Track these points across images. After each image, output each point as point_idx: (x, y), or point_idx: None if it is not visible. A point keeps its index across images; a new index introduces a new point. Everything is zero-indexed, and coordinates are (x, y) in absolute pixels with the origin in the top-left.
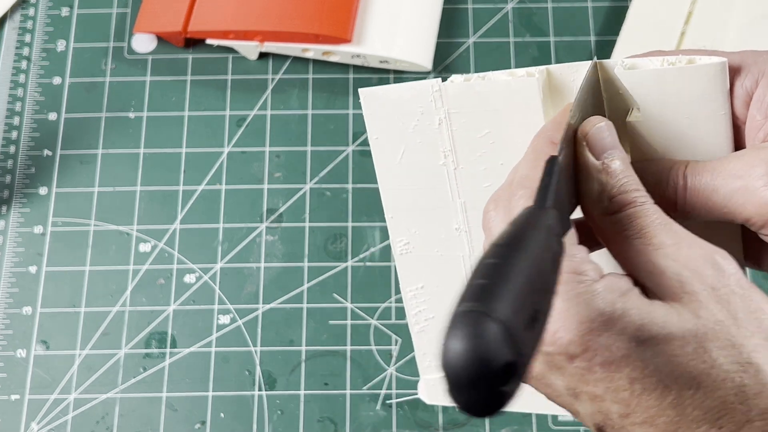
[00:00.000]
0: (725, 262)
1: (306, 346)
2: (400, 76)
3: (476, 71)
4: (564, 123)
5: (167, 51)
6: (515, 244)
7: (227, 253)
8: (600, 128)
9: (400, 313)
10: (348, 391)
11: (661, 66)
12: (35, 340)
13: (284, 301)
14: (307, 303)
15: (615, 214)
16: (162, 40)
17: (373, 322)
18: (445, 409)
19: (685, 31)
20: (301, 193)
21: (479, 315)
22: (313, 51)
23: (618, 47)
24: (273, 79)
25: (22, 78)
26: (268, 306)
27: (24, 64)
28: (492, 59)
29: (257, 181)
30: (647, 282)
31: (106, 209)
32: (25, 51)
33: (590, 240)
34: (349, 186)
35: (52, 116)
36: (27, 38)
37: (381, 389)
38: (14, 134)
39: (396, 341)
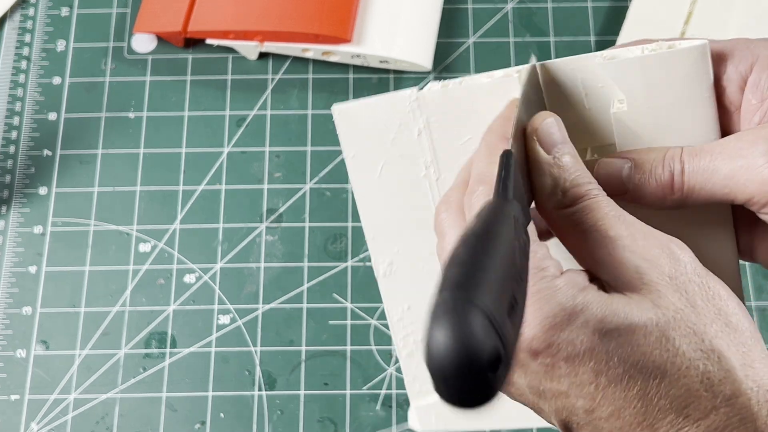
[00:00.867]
0: (681, 251)
1: (306, 346)
2: (400, 76)
3: (476, 71)
4: (513, 118)
5: (167, 51)
6: (486, 235)
7: (227, 253)
8: (549, 123)
9: None
10: (348, 391)
11: (642, 54)
12: (35, 340)
13: (284, 301)
14: (307, 303)
15: (569, 208)
16: (162, 40)
17: (373, 322)
18: None
19: (685, 31)
20: (301, 193)
21: (463, 303)
22: (313, 51)
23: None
24: (273, 79)
25: (21, 78)
26: (268, 306)
27: (24, 64)
28: (492, 59)
29: (257, 181)
30: (605, 275)
31: (105, 209)
32: (25, 51)
33: (543, 236)
34: (349, 186)
35: (52, 116)
36: (27, 38)
37: (381, 389)
38: (14, 134)
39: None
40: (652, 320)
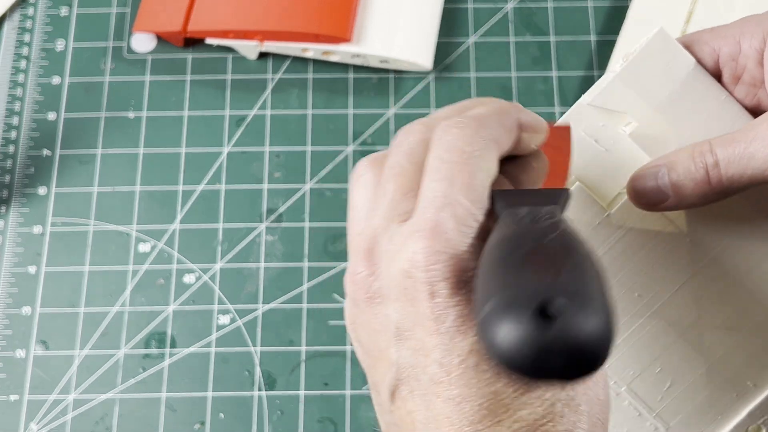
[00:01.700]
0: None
1: (306, 346)
2: (400, 75)
3: (477, 71)
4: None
5: (166, 51)
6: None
7: (227, 253)
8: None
9: None
10: (348, 392)
11: (617, 71)
12: (34, 340)
13: (284, 302)
14: (307, 303)
15: None
16: (161, 39)
17: None
18: None
19: (686, 31)
20: (301, 193)
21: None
22: (312, 51)
23: (618, 47)
24: (273, 79)
25: (21, 78)
26: (267, 306)
27: (23, 64)
28: (492, 59)
29: (257, 181)
30: None
31: (105, 209)
32: (25, 51)
33: None
34: (349, 186)
35: (52, 116)
36: (26, 38)
37: None
38: (13, 134)
39: None
40: None
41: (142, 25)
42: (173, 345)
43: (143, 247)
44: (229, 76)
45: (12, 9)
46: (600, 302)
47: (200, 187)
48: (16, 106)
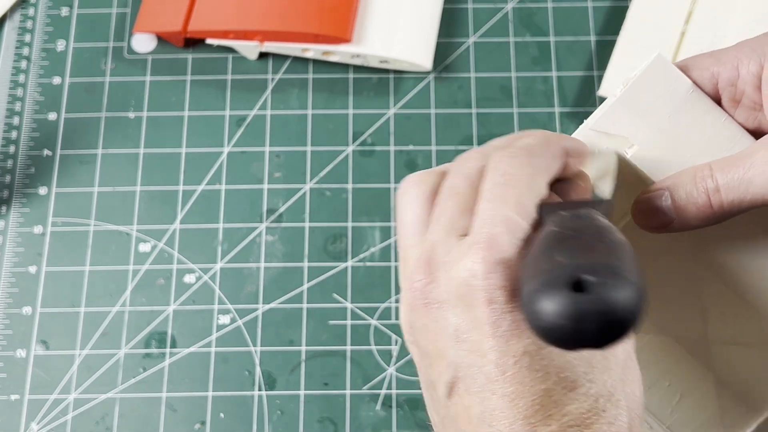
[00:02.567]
0: None
1: (306, 346)
2: (400, 75)
3: (476, 71)
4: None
5: (167, 51)
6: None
7: (227, 253)
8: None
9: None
10: (348, 391)
11: (617, 95)
12: (35, 340)
13: (284, 301)
14: (307, 303)
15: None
16: (162, 39)
17: (373, 322)
18: None
19: (686, 31)
20: (301, 193)
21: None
22: (313, 51)
23: (618, 47)
24: (273, 79)
25: (21, 78)
26: (268, 306)
27: (24, 64)
28: (492, 59)
29: (257, 181)
30: None
31: (105, 209)
32: (25, 51)
33: None
34: (349, 186)
35: (52, 116)
36: (27, 38)
37: (381, 389)
38: (14, 134)
39: (396, 341)
40: None
41: (142, 25)
42: (173, 345)
43: (143, 247)
44: (229, 76)
45: (13, 9)
46: (629, 275)
47: (200, 187)
48: (17, 106)
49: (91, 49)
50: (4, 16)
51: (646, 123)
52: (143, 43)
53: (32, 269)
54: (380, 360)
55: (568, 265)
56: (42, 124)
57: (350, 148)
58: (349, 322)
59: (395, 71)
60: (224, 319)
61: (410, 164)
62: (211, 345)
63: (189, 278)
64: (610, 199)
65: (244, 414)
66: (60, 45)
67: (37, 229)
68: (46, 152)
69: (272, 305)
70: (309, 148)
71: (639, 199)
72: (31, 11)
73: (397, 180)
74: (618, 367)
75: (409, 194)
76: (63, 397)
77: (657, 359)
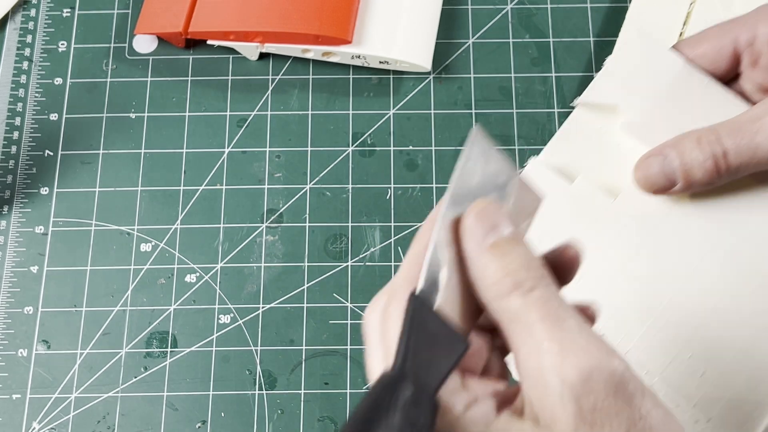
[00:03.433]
0: (614, 367)
1: (306, 345)
2: (400, 76)
3: (476, 72)
4: (437, 217)
5: (168, 51)
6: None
7: (228, 253)
8: (480, 212)
9: None
10: (348, 391)
11: (606, 63)
12: (36, 339)
13: (284, 301)
14: (307, 303)
15: (499, 302)
16: (163, 40)
17: None
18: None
19: (684, 32)
20: (301, 193)
21: None
22: (313, 52)
23: (617, 48)
24: (273, 80)
25: (23, 78)
26: (268, 306)
27: (25, 65)
28: (491, 60)
29: (257, 181)
30: (524, 387)
31: (107, 209)
32: (27, 51)
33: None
34: (349, 186)
35: (53, 116)
36: (28, 39)
37: None
38: (15, 134)
39: None
40: None
41: (143, 27)
42: (174, 344)
43: (144, 247)
44: (230, 77)
45: (14, 10)
46: None
47: (201, 188)
48: (18, 107)
49: (93, 49)
50: (6, 17)
51: (635, 94)
52: (144, 43)
53: (34, 269)
54: None
55: None
56: (43, 124)
57: (350, 148)
58: (349, 321)
59: (395, 72)
60: (225, 319)
61: (410, 164)
62: (212, 344)
63: (190, 278)
64: (467, 344)
65: (244, 413)
66: (61, 46)
67: (39, 229)
68: (48, 152)
69: (273, 305)
70: (309, 149)
71: (640, 163)
72: (32, 12)
73: (397, 180)
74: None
75: (368, 327)
76: (64, 396)
77: (674, 331)
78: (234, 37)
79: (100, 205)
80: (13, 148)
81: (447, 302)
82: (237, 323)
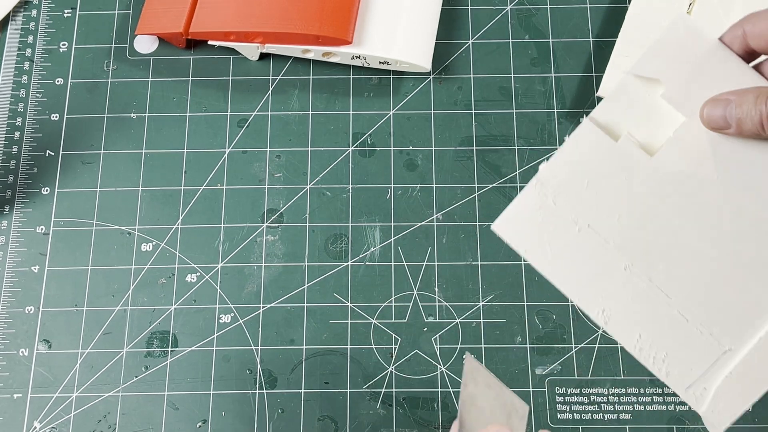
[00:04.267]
0: None
1: (306, 345)
2: (400, 76)
3: (475, 72)
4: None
5: (169, 52)
6: None
7: (228, 253)
8: None
9: (400, 312)
10: (348, 390)
11: (651, 41)
12: (37, 339)
13: (285, 301)
14: (308, 302)
15: None
16: (163, 41)
17: (374, 321)
18: (444, 407)
19: None
20: (301, 193)
21: None
22: (313, 52)
23: (617, 48)
24: (274, 80)
25: (24, 78)
26: (268, 305)
27: (26, 65)
28: (491, 60)
29: (258, 181)
30: None
31: (107, 209)
32: (28, 52)
33: None
34: (349, 186)
35: (54, 116)
36: (29, 39)
37: (381, 388)
38: (17, 134)
39: (396, 340)
40: None
41: (144, 28)
42: (175, 344)
43: (145, 247)
44: (230, 77)
45: (15, 10)
46: None
47: (202, 187)
48: (20, 107)
49: (93, 50)
50: (7, 17)
51: (676, 70)
52: (145, 44)
53: (35, 268)
54: (380, 359)
55: None
56: (44, 124)
57: (350, 148)
58: (349, 321)
59: (395, 72)
60: (225, 319)
61: (410, 165)
62: (213, 344)
63: (190, 278)
64: None
65: (245, 412)
66: (62, 46)
67: (40, 229)
68: (49, 152)
69: (273, 304)
70: (309, 149)
71: (709, 101)
72: (33, 12)
73: (397, 180)
74: None
75: None
76: (65, 395)
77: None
78: (234, 37)
79: (101, 205)
80: (14, 148)
81: None
82: (237, 323)
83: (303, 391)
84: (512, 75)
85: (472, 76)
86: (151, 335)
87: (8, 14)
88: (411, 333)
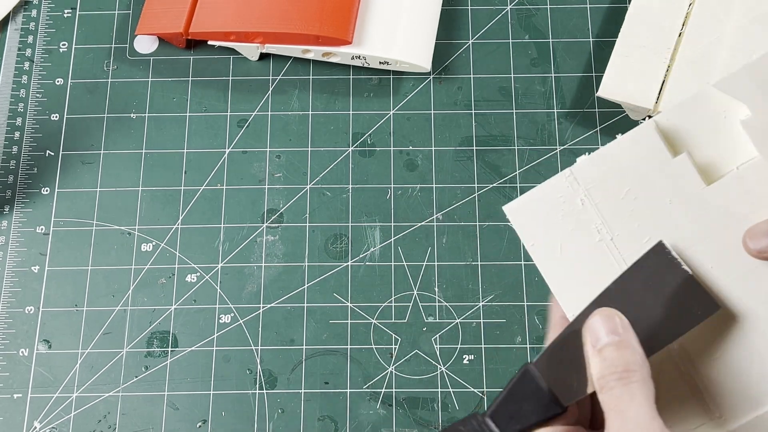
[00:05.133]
0: None
1: (306, 345)
2: (400, 76)
3: (475, 72)
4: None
5: (169, 52)
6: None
7: (228, 253)
8: (595, 321)
9: (400, 312)
10: (348, 390)
11: (752, 60)
12: (38, 339)
13: (285, 301)
14: (308, 303)
15: (607, 392)
16: (163, 41)
17: (374, 321)
18: (444, 407)
19: (684, 33)
20: (301, 193)
21: None
22: (313, 52)
23: (617, 48)
24: (274, 80)
25: (24, 79)
26: (268, 305)
27: (26, 65)
28: (491, 60)
29: (258, 181)
30: None
31: (107, 209)
32: (28, 52)
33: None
34: (349, 186)
35: (54, 117)
36: (29, 39)
37: (381, 388)
38: (17, 134)
39: (396, 340)
40: None
41: (144, 28)
42: (175, 344)
43: (145, 247)
44: (230, 77)
45: (15, 10)
46: None
47: (202, 188)
48: (20, 107)
49: (94, 50)
50: (7, 17)
51: (765, 99)
52: (145, 44)
53: (35, 269)
54: (380, 359)
55: None
56: (44, 124)
57: (350, 149)
58: (349, 321)
59: (395, 72)
60: (225, 319)
61: (410, 165)
62: (213, 344)
63: (190, 278)
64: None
65: (245, 412)
66: (62, 46)
67: (40, 229)
68: (49, 152)
69: (273, 304)
70: (309, 149)
71: (750, 231)
72: (33, 12)
73: (397, 180)
74: None
75: None
76: (65, 395)
77: None
78: (234, 37)
79: (101, 205)
80: (14, 148)
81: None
82: (237, 323)
83: (303, 391)
84: (512, 75)
85: (472, 76)
86: (151, 335)
87: (8, 14)
88: (411, 333)
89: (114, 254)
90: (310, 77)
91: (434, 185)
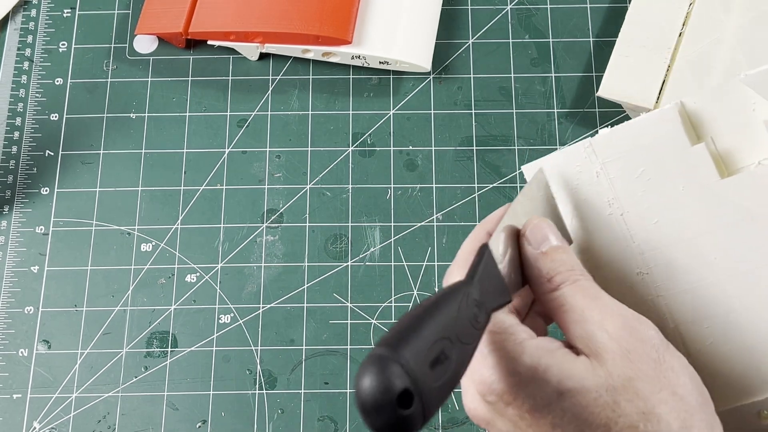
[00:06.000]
0: (644, 328)
1: (306, 345)
2: (400, 76)
3: (475, 72)
4: (499, 218)
5: (168, 52)
6: (429, 305)
7: (228, 253)
8: (536, 224)
9: (400, 312)
10: (348, 390)
11: None
12: (37, 339)
13: (284, 301)
14: (308, 303)
15: (553, 293)
16: (163, 41)
17: (373, 321)
18: (444, 407)
19: (684, 32)
20: (301, 193)
21: (381, 355)
22: (313, 52)
23: (617, 48)
24: (273, 80)
25: (24, 78)
26: (268, 306)
27: (26, 65)
28: (491, 60)
29: (258, 181)
30: (578, 344)
31: (107, 209)
32: (27, 52)
33: (547, 320)
34: (349, 186)
35: (54, 116)
36: (29, 39)
37: None
38: (16, 134)
39: None
40: (603, 385)
41: (144, 27)
42: (175, 344)
43: (145, 247)
44: (230, 77)
45: (15, 10)
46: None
47: (201, 188)
48: (19, 107)
49: (93, 49)
50: (6, 17)
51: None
52: (145, 44)
53: (34, 269)
54: None
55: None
56: (44, 124)
57: (350, 148)
58: (349, 321)
59: (395, 72)
60: (225, 319)
61: (410, 165)
62: (212, 344)
63: (190, 278)
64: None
65: (245, 412)
66: (62, 46)
67: (39, 229)
68: (48, 152)
69: (273, 305)
70: (309, 149)
71: None
72: (33, 12)
73: (397, 180)
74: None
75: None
76: (65, 395)
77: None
78: (234, 37)
79: (101, 205)
80: (14, 148)
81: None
82: (237, 323)
83: (303, 391)
84: (512, 75)
85: (472, 76)
86: (150, 335)
87: (8, 14)
88: None
89: (113, 254)
90: (310, 77)
91: (434, 185)
